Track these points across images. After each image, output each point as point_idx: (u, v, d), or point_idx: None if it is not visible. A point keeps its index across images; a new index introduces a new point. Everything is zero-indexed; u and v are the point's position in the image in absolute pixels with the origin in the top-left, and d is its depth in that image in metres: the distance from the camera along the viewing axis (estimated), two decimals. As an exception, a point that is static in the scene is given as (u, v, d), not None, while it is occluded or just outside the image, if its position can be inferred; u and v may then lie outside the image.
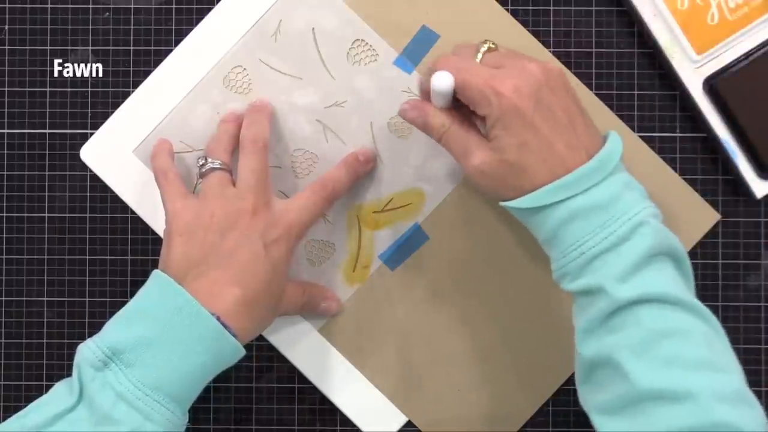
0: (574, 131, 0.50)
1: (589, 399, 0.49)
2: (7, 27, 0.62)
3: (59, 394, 0.50)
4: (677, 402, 0.44)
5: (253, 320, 0.53)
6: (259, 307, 0.53)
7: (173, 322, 0.50)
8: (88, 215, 0.62)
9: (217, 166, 0.56)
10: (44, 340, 0.62)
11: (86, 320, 0.62)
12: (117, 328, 0.51)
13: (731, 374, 0.46)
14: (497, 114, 0.49)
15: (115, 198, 0.62)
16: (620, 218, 0.48)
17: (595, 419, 0.48)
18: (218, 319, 0.50)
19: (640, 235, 0.47)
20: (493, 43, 0.53)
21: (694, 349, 0.46)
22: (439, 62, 0.52)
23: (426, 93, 0.53)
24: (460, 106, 0.53)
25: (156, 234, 0.61)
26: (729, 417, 0.44)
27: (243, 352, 0.52)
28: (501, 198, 0.51)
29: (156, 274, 0.52)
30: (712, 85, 0.59)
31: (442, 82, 0.50)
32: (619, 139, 0.51)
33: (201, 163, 0.57)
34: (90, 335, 0.51)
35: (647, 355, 0.46)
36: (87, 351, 0.49)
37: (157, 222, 0.61)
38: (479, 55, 0.53)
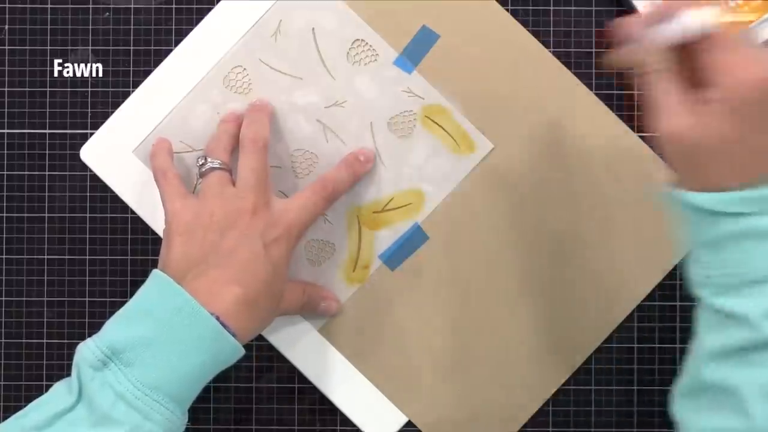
0: None
1: (690, 416, 0.47)
2: (7, 27, 0.62)
3: (58, 393, 0.50)
4: None
5: (253, 320, 0.53)
6: (259, 307, 0.53)
7: (173, 321, 0.50)
8: (88, 215, 0.62)
9: (217, 165, 0.56)
10: (44, 340, 0.62)
11: (86, 320, 0.62)
12: (116, 328, 0.50)
13: None
14: (730, 93, 0.44)
15: (115, 198, 0.62)
16: None
17: None
18: (217, 318, 0.50)
19: None
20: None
21: None
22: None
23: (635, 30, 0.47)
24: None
25: (156, 234, 0.61)
26: None
27: (242, 351, 0.52)
28: (672, 176, 0.47)
29: (155, 273, 0.52)
30: (712, 85, 0.59)
31: (703, 18, 0.44)
32: None
33: (200, 162, 0.56)
34: (90, 335, 0.50)
35: None
36: (86, 351, 0.49)
37: (156, 222, 0.61)
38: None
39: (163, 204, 0.56)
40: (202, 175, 0.56)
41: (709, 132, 0.44)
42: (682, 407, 0.47)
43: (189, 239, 0.53)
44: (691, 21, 0.44)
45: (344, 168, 0.59)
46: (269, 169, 0.57)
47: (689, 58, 0.46)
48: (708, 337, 0.46)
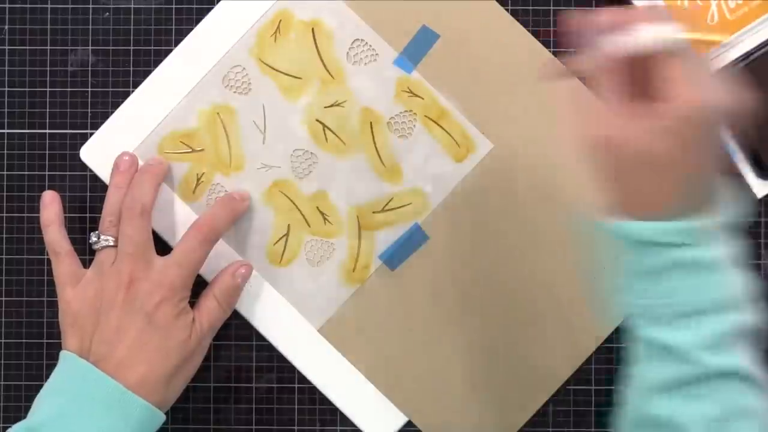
0: (712, 178, 0.45)
1: None
2: (7, 27, 0.62)
3: None
4: None
5: (170, 385, 0.54)
6: (171, 369, 0.54)
7: (80, 391, 0.52)
8: (88, 215, 0.62)
9: (111, 243, 0.56)
10: (44, 340, 0.62)
11: (86, 320, 0.62)
12: (36, 408, 0.53)
13: None
14: (670, 111, 0.43)
15: (115, 198, 0.62)
16: (725, 285, 0.44)
17: None
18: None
19: (738, 307, 0.44)
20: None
21: None
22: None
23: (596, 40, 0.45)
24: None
25: (155, 234, 0.61)
26: None
27: (160, 414, 0.53)
28: (598, 199, 0.46)
29: (61, 354, 0.55)
30: (712, 85, 0.59)
31: (661, 35, 0.43)
32: (742, 208, 0.47)
33: (93, 240, 0.56)
34: (89, 336, 0.51)
35: None
36: None
37: (156, 222, 0.61)
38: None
39: (56, 289, 0.56)
40: (96, 252, 0.57)
41: (639, 143, 0.43)
42: None
43: (79, 329, 0.55)
44: (648, 37, 0.43)
45: (220, 206, 0.58)
46: (149, 233, 0.56)
47: (639, 69, 0.44)
48: (647, 369, 0.46)
